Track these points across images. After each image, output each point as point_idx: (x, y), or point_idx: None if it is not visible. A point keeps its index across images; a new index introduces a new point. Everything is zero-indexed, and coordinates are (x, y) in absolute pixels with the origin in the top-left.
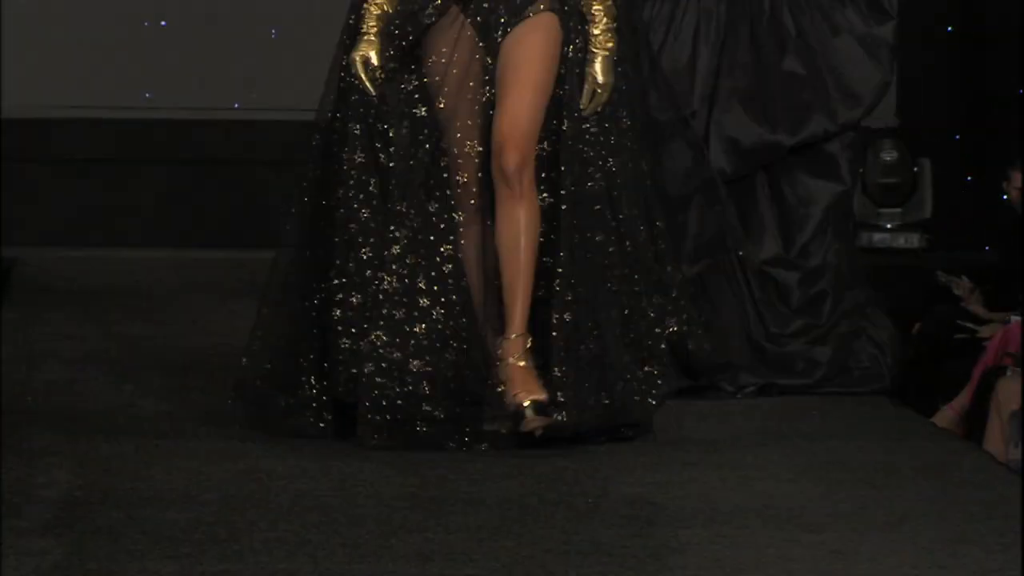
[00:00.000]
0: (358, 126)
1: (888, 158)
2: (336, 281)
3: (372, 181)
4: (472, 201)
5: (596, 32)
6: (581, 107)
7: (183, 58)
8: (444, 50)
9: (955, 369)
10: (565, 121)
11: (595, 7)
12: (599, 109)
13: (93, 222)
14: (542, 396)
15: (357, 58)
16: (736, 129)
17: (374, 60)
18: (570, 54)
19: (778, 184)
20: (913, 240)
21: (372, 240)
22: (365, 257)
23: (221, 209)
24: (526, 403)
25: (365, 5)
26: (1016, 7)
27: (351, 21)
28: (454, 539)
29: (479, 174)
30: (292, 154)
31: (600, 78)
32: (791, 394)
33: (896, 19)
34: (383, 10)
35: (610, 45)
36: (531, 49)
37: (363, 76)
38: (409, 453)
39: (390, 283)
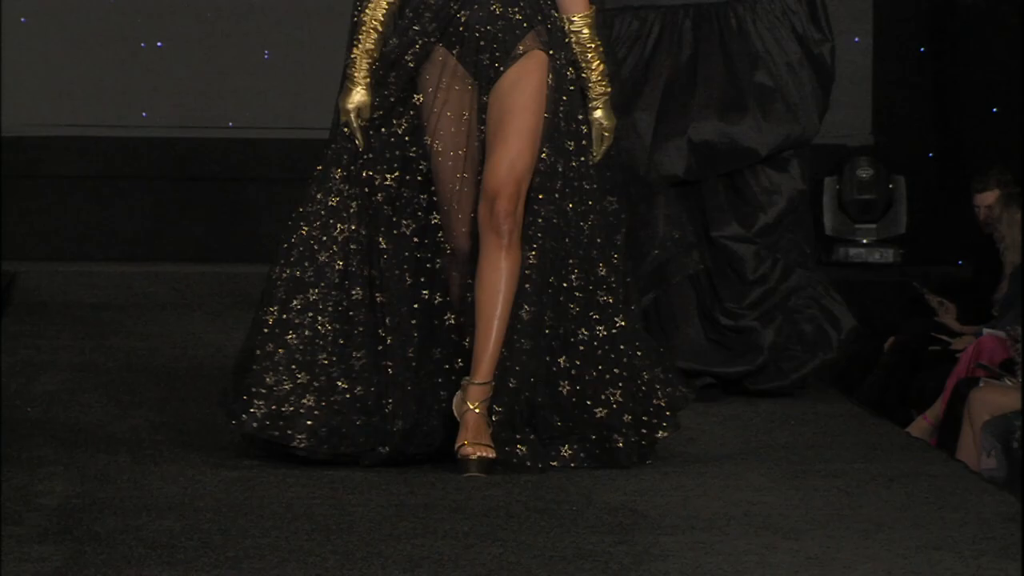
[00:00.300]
0: (339, 171)
1: (864, 175)
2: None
3: (339, 227)
4: (459, 240)
5: (594, 78)
6: (593, 153)
7: (178, 78)
8: (430, 90)
9: (929, 380)
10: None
11: (589, 54)
12: (609, 152)
13: (91, 237)
14: (490, 454)
15: (350, 107)
16: (711, 137)
17: (366, 112)
18: (563, 97)
19: (740, 176)
20: (888, 255)
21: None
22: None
23: (215, 225)
24: (473, 457)
25: (355, 51)
26: (988, 28)
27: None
28: (442, 545)
29: (470, 213)
30: (283, 172)
31: (605, 122)
32: (751, 395)
33: (832, 41)
34: (372, 57)
35: (608, 89)
36: (524, 96)
37: (355, 126)
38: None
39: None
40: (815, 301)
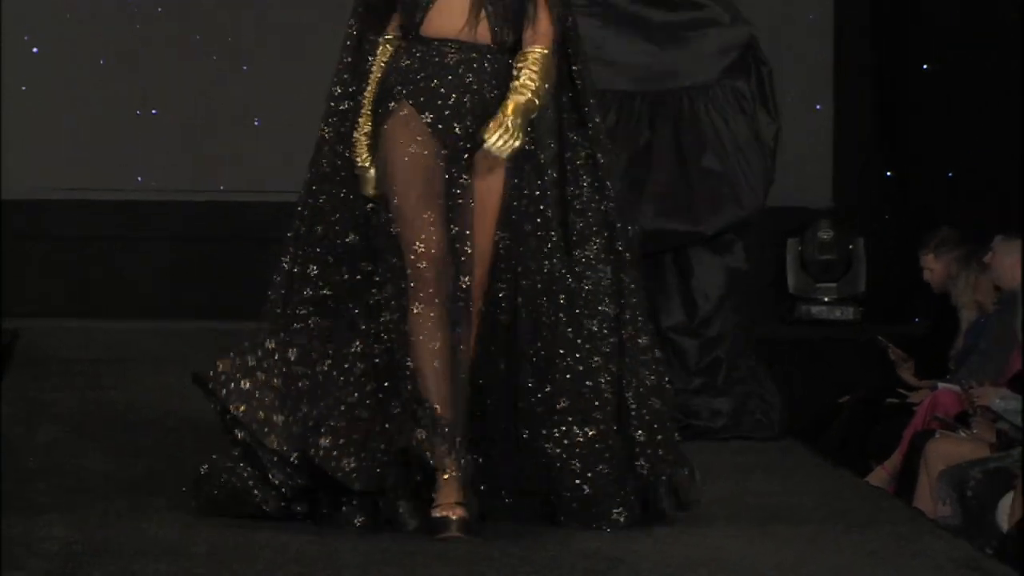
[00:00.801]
0: (337, 213)
1: (825, 237)
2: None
3: (312, 267)
4: (430, 294)
5: (522, 77)
6: (485, 138)
7: (172, 144)
8: (401, 140)
9: (887, 432)
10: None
11: (529, 68)
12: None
13: (89, 295)
14: (467, 515)
15: (373, 194)
16: (662, 218)
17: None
18: (542, 159)
19: (686, 260)
20: (848, 313)
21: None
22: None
23: (207, 283)
24: (453, 517)
25: (355, 135)
26: (943, 96)
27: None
28: None
29: (439, 270)
30: (272, 232)
31: (509, 114)
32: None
33: (778, 124)
34: (371, 138)
35: (529, 95)
36: (493, 177)
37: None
38: None
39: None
40: (753, 392)
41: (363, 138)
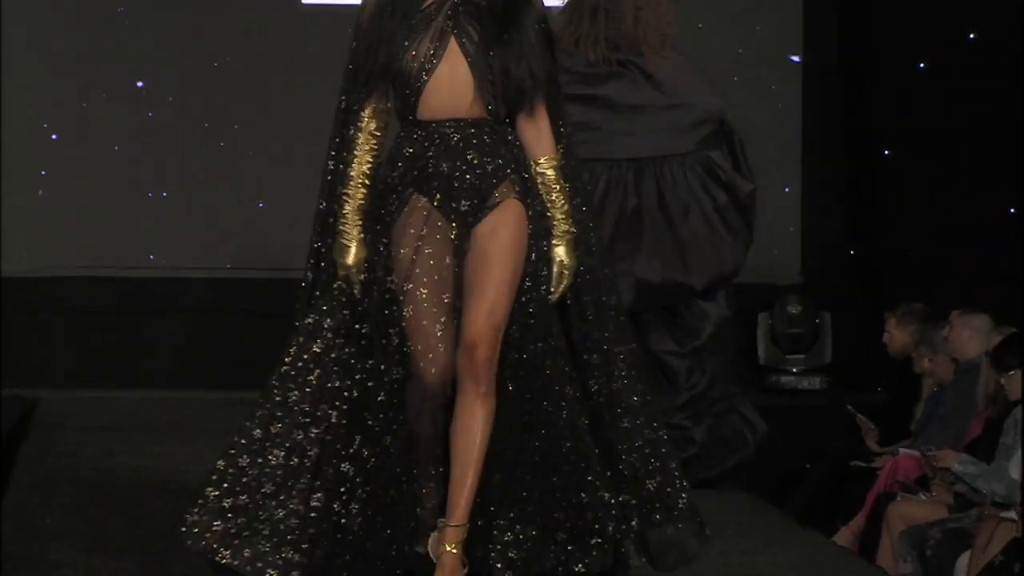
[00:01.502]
0: (328, 321)
1: (793, 311)
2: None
3: (315, 371)
4: (435, 384)
5: (558, 216)
6: (551, 291)
7: (182, 224)
8: (412, 231)
9: (852, 494)
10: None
11: (554, 195)
12: (565, 291)
13: (103, 366)
14: None
15: (350, 263)
16: (654, 277)
17: (363, 266)
18: (545, 247)
19: (676, 305)
20: (815, 382)
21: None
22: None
23: (216, 355)
24: None
25: (346, 207)
26: (903, 179)
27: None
28: None
29: (448, 358)
30: (276, 307)
31: (566, 260)
32: None
33: (754, 184)
34: (362, 212)
35: (570, 229)
36: (500, 245)
37: (354, 281)
38: None
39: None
40: (735, 409)
41: (351, 211)
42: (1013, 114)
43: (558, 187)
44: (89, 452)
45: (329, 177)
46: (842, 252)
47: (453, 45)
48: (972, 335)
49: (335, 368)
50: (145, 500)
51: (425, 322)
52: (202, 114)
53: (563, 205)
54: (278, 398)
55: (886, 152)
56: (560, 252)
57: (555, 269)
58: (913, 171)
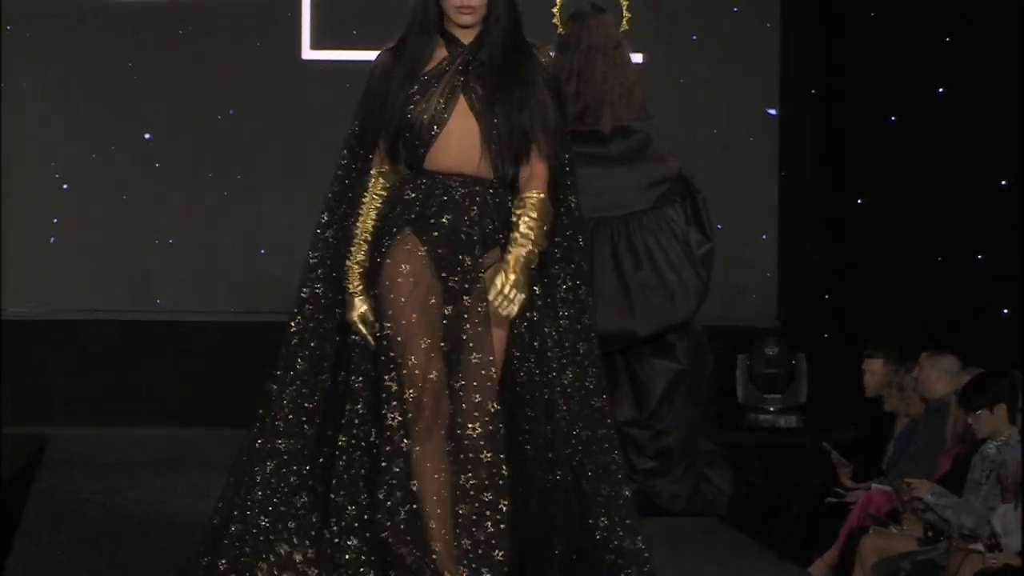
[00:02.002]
0: (314, 342)
1: (770, 353)
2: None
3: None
4: (426, 422)
5: (517, 234)
6: (491, 299)
7: (187, 270)
8: (404, 268)
9: (826, 527)
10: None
11: (524, 218)
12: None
13: (111, 405)
14: None
15: (356, 318)
16: (602, 323)
17: (370, 316)
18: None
19: (632, 364)
20: (791, 421)
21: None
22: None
23: (220, 394)
24: None
25: (348, 263)
26: (875, 229)
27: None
28: None
29: (436, 396)
30: (272, 349)
31: (513, 275)
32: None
33: (712, 243)
34: (364, 267)
35: (523, 251)
36: (486, 316)
37: (365, 333)
38: None
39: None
40: (704, 476)
41: (355, 266)
42: (980, 163)
43: (533, 214)
44: (97, 487)
45: (319, 231)
46: (817, 296)
47: (462, 102)
48: (940, 376)
49: (322, 410)
50: (151, 535)
51: (408, 345)
52: (206, 164)
53: (527, 231)
54: (270, 443)
55: (859, 201)
56: (509, 261)
57: (499, 279)
58: (885, 219)
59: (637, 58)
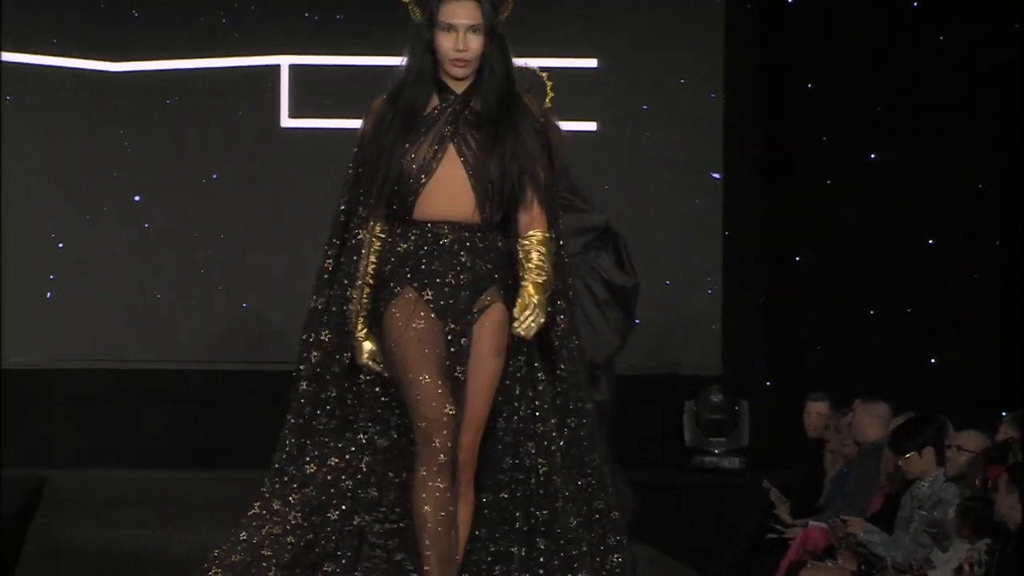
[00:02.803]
0: (331, 388)
1: (715, 399)
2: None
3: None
4: (441, 460)
5: (530, 266)
6: (516, 320)
7: (174, 321)
8: (400, 322)
9: (767, 562)
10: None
11: (533, 254)
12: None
13: (107, 447)
14: None
15: (366, 359)
16: None
17: (379, 356)
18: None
19: None
20: (735, 462)
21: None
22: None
23: (203, 437)
24: None
25: (351, 306)
26: (816, 283)
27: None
28: None
29: (448, 437)
30: (259, 398)
31: (533, 292)
32: None
33: (636, 280)
34: (368, 311)
35: (535, 296)
36: (484, 353)
37: (379, 370)
38: None
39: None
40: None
41: (360, 309)
42: (907, 225)
43: (542, 249)
44: (92, 525)
45: (326, 276)
46: (759, 347)
47: (451, 150)
48: (872, 421)
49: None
50: (147, 570)
51: (418, 384)
52: (192, 224)
53: (540, 262)
54: (278, 489)
55: (797, 259)
56: (528, 286)
57: (522, 300)
58: (822, 275)
59: (591, 126)
